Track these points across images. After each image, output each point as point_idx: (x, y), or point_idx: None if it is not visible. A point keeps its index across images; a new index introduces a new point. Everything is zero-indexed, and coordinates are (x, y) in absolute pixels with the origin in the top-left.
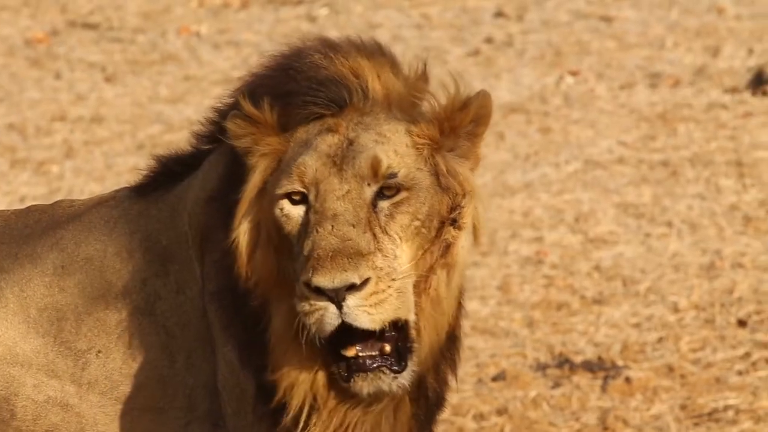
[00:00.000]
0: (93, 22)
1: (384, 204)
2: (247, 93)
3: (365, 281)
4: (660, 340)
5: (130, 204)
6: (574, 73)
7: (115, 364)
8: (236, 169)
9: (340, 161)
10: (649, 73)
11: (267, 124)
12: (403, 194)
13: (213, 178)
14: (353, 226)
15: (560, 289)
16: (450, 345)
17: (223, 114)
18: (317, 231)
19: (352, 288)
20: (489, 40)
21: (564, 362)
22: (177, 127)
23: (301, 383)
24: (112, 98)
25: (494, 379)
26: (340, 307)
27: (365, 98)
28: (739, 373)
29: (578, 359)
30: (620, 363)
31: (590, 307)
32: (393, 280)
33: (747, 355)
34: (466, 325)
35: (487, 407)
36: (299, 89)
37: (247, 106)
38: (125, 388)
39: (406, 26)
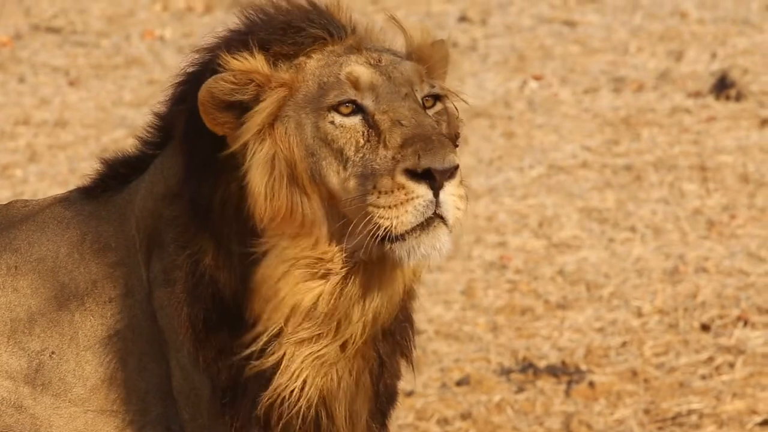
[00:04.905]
0: (57, 26)
1: (429, 112)
2: (224, 48)
3: (457, 167)
4: (624, 344)
5: (82, 205)
6: (537, 78)
7: (68, 366)
8: (185, 172)
9: (384, 70)
10: (613, 77)
11: (259, 70)
12: (439, 106)
13: (159, 181)
14: (429, 118)
15: (524, 293)
16: (402, 329)
17: (166, 118)
18: (402, 124)
19: (453, 172)
20: (453, 45)
21: (528, 367)
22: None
23: (286, 307)
24: (76, 102)
25: (458, 383)
26: (436, 195)
27: (356, 32)
28: (703, 377)
29: (542, 364)
30: (584, 367)
31: (554, 311)
32: None
33: (710, 359)
34: (430, 329)
35: (451, 412)
36: (293, 20)
37: (233, 61)
38: (79, 390)
39: None
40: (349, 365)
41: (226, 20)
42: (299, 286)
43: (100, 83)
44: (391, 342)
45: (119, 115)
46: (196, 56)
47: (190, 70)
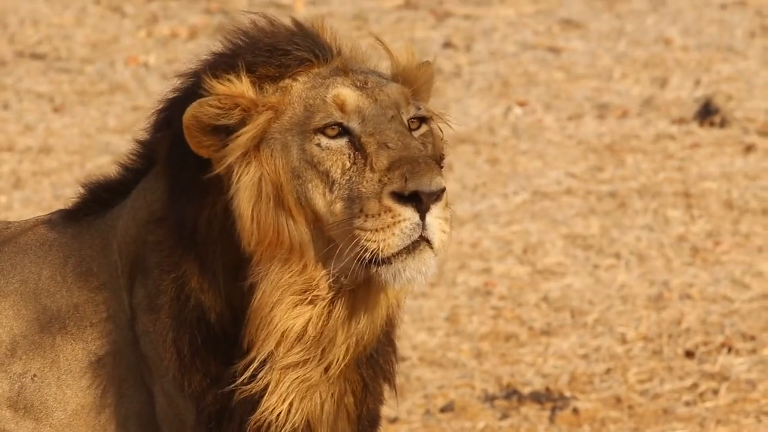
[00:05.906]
0: (41, 53)
1: (415, 134)
2: (209, 72)
3: (444, 190)
4: (608, 371)
5: (64, 227)
6: (522, 104)
7: (49, 390)
8: (169, 195)
9: (371, 93)
10: (597, 104)
11: (244, 94)
12: (424, 128)
13: (142, 207)
14: (416, 140)
15: (508, 320)
16: (385, 354)
17: (149, 144)
18: (388, 146)
19: (439, 195)
20: (437, 71)
21: (512, 393)
22: (124, 158)
23: (280, 331)
24: (61, 129)
25: (442, 410)
26: (423, 218)
27: (342, 54)
28: (687, 404)
29: (526, 390)
30: (568, 394)
31: (538, 338)
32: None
33: (694, 386)
34: (413, 355)
35: None
36: (279, 42)
37: (218, 85)
38: (60, 415)
39: None
40: (332, 388)
41: (210, 46)
42: (290, 311)
43: (85, 109)
44: (374, 366)
45: (104, 141)
46: (180, 81)
47: (174, 95)
